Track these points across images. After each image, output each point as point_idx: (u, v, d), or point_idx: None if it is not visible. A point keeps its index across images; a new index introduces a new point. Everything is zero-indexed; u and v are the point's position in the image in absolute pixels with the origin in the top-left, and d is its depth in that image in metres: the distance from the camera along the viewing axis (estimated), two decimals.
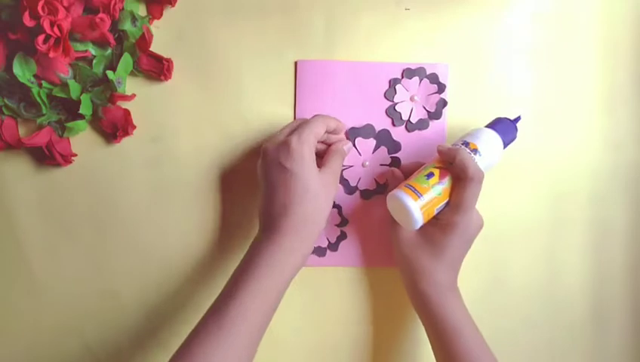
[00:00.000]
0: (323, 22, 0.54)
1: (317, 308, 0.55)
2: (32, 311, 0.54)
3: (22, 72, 0.48)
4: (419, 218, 0.46)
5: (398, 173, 0.52)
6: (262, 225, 0.47)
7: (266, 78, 0.53)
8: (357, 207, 0.55)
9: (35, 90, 0.49)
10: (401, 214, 0.48)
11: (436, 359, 0.49)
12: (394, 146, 0.54)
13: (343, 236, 0.55)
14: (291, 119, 0.54)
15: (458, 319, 0.47)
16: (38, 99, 0.49)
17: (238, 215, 0.54)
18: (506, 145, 0.51)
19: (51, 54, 0.45)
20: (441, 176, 0.47)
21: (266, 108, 0.54)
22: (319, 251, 0.55)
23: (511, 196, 0.56)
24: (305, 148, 0.45)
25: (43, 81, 0.49)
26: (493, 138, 0.50)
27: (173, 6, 0.52)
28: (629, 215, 0.57)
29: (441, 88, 0.54)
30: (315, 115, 0.50)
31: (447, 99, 0.54)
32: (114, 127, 0.52)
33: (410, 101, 0.54)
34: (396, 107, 0.54)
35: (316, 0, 0.53)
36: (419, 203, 0.46)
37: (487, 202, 0.52)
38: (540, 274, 0.57)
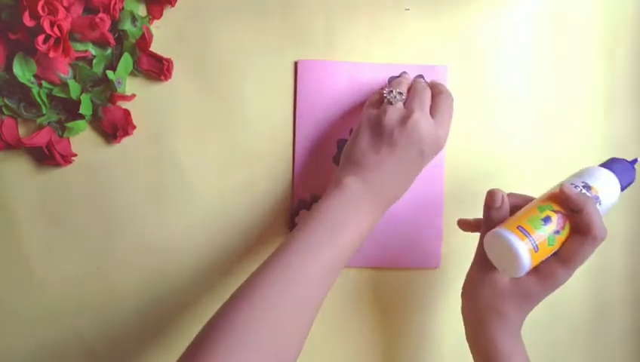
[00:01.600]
0: (323, 22, 0.54)
1: None
2: (32, 310, 0.54)
3: (22, 72, 0.48)
4: (527, 268, 0.40)
5: (506, 200, 0.44)
6: (348, 169, 0.45)
7: (266, 78, 0.53)
8: None
9: (35, 90, 0.49)
10: (503, 258, 0.42)
11: None
12: None
13: None
14: (291, 119, 0.54)
15: None
16: (38, 99, 0.49)
17: (238, 214, 0.54)
18: (622, 188, 0.45)
19: (51, 54, 0.45)
20: (559, 224, 0.41)
21: (266, 108, 0.54)
22: None
23: None
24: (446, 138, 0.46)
25: (43, 81, 0.49)
26: (613, 182, 0.44)
27: (173, 6, 0.52)
28: (629, 215, 0.57)
29: None
30: (449, 94, 0.48)
31: None
32: (114, 127, 0.52)
33: None
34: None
35: (316, 0, 0.53)
36: (535, 256, 0.40)
37: None
38: None
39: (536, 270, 0.42)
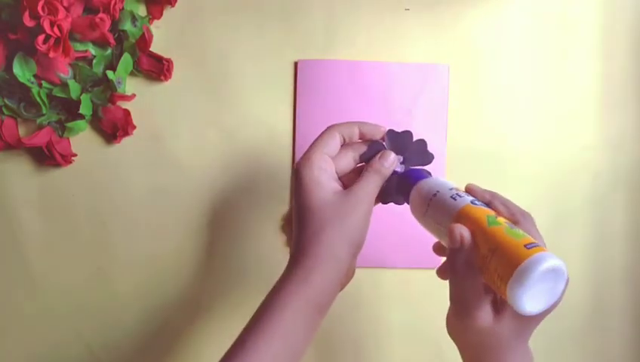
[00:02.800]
0: (323, 22, 0.54)
1: None
2: (32, 311, 0.54)
3: (22, 72, 0.48)
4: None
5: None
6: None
7: (266, 78, 0.53)
8: None
9: (35, 90, 0.49)
10: (541, 291, 0.35)
11: None
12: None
13: None
14: (291, 119, 0.54)
15: None
16: (38, 99, 0.49)
17: (238, 215, 0.54)
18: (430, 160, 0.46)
19: (51, 54, 0.45)
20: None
21: (266, 108, 0.54)
22: None
23: (510, 196, 0.56)
24: (310, 172, 0.40)
25: (43, 81, 0.49)
26: (438, 180, 0.43)
27: (173, 6, 0.52)
28: (629, 215, 0.57)
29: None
30: (327, 128, 0.43)
31: (447, 100, 0.54)
32: (114, 127, 0.52)
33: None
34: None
35: (316, 0, 0.53)
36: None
37: None
38: None
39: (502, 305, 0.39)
